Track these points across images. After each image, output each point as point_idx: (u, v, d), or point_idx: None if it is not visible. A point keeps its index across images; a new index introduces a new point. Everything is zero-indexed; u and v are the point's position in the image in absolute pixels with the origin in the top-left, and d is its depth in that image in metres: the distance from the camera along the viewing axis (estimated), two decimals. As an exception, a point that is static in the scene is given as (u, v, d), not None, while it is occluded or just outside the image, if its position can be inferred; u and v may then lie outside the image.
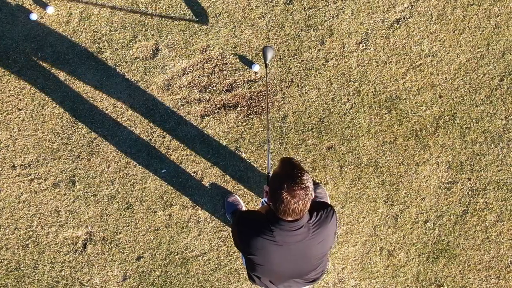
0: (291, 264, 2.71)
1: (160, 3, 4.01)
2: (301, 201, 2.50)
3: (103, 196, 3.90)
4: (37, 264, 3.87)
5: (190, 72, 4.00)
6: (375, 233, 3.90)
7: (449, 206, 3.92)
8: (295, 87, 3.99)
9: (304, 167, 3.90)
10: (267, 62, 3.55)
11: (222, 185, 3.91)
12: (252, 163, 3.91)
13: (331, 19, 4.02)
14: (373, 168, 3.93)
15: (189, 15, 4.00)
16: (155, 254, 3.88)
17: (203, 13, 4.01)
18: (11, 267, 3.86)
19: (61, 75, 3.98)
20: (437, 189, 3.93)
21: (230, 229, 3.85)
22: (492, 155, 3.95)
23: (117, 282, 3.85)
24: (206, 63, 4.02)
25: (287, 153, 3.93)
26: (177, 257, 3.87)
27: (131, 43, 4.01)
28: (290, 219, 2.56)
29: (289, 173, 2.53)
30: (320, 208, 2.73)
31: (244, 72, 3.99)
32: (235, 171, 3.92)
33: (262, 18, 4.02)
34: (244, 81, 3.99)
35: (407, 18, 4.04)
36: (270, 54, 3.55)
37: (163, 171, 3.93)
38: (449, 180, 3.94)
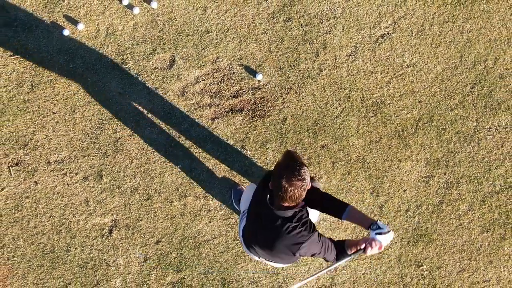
0: (261, 236, 3.02)
1: (176, 20, 4.19)
2: (297, 190, 2.74)
3: (127, 188, 4.12)
4: (69, 247, 4.09)
5: (202, 80, 4.20)
6: None
7: (427, 197, 4.15)
8: (293, 93, 4.21)
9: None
10: None
11: (230, 179, 4.14)
12: (256, 160, 4.16)
13: (325, 35, 4.23)
14: (361, 164, 4.17)
15: (201, 31, 4.21)
16: (171, 238, 4.11)
17: (213, 28, 4.23)
18: (46, 250, 4.08)
19: (90, 83, 4.16)
20: (416, 182, 4.16)
21: (237, 216, 4.09)
22: (465, 153, 4.19)
23: (139, 263, 4.08)
24: (216, 72, 4.20)
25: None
26: (191, 241, 4.11)
27: (151, 55, 4.19)
28: (286, 204, 2.82)
29: (290, 164, 2.75)
30: (304, 227, 2.88)
31: (249, 80, 4.19)
32: (241, 166, 4.15)
33: (265, 34, 4.22)
34: (249, 88, 4.20)
35: (390, 34, 4.24)
36: None
37: (178, 166, 4.14)
38: (427, 174, 4.17)
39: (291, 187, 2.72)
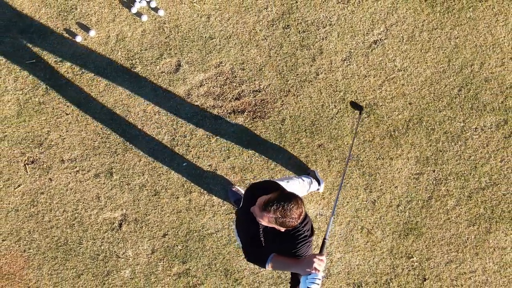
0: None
1: (181, 27, 4.32)
2: (299, 214, 2.85)
3: (135, 185, 4.27)
4: (82, 240, 4.25)
5: (206, 83, 4.31)
6: (357, 215, 4.29)
7: (417, 193, 4.31)
8: (292, 96, 4.33)
9: (299, 161, 4.23)
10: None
11: (232, 176, 4.28)
12: (256, 158, 4.30)
13: (321, 41, 4.36)
14: (355, 162, 4.31)
15: (205, 37, 4.35)
16: (177, 232, 4.26)
17: (217, 35, 4.37)
18: (60, 243, 4.24)
19: (101, 86, 4.28)
20: (407, 179, 4.31)
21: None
22: (452, 151, 4.33)
23: (147, 255, 4.24)
24: (219, 76, 4.32)
25: (285, 149, 4.28)
26: (195, 234, 4.26)
27: (158, 60, 4.30)
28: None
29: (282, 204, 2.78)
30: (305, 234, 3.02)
31: (250, 83, 4.31)
32: (243, 164, 4.28)
33: (265, 40, 4.34)
34: (250, 91, 4.33)
35: (383, 40, 4.37)
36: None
37: (184, 164, 4.28)
38: (417, 171, 4.31)
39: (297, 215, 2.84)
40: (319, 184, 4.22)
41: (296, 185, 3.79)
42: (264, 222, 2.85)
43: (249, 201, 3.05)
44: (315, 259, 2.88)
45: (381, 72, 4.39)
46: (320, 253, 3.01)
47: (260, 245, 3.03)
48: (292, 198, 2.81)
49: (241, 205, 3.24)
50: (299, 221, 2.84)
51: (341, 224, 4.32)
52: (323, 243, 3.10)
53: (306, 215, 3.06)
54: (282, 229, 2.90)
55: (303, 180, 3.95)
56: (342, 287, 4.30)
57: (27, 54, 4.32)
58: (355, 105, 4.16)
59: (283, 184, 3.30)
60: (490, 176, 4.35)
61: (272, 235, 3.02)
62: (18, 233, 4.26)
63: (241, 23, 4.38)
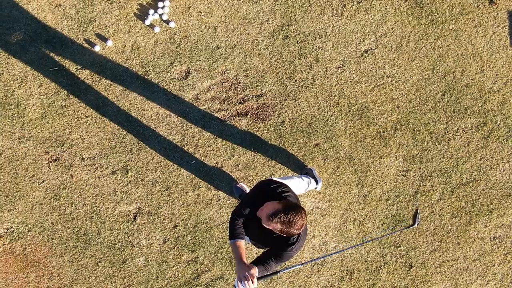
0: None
1: (191, 38, 4.47)
2: (301, 225, 3.00)
3: (149, 181, 4.41)
4: (100, 231, 4.41)
5: (213, 89, 4.45)
6: (349, 208, 4.47)
7: (404, 188, 4.48)
8: (291, 100, 4.48)
9: (297, 160, 4.41)
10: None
11: (236, 173, 4.45)
12: (259, 156, 4.47)
13: (317, 50, 4.50)
14: (348, 160, 4.48)
15: (212, 47, 4.51)
16: (187, 223, 4.41)
17: (222, 45, 4.51)
18: (80, 233, 4.41)
19: (117, 91, 4.44)
20: (395, 175, 4.48)
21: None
22: (436, 150, 4.50)
23: (159, 244, 4.41)
24: (225, 82, 4.46)
25: (285, 149, 4.43)
26: (203, 225, 4.42)
27: (169, 68, 4.44)
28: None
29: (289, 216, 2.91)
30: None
31: (253, 89, 4.46)
32: (246, 162, 4.44)
33: (266, 49, 4.48)
34: (253, 95, 4.48)
35: (373, 49, 4.51)
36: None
37: (193, 162, 4.43)
38: (404, 169, 4.48)
39: (299, 225, 3.00)
40: (317, 183, 4.41)
41: (296, 184, 3.99)
42: (269, 227, 3.02)
43: (256, 195, 3.26)
44: (246, 275, 2.95)
45: (371, 79, 4.53)
46: (259, 277, 3.06)
47: (241, 231, 3.21)
48: (297, 211, 2.92)
49: (249, 191, 3.44)
50: (300, 231, 2.99)
51: (335, 216, 4.53)
52: (269, 275, 3.18)
53: (304, 230, 3.17)
54: (284, 235, 3.05)
55: (303, 180, 4.13)
56: (336, 274, 4.53)
57: (50, 62, 4.51)
58: (415, 217, 3.92)
59: (284, 183, 3.41)
60: (470, 173, 4.56)
61: (270, 237, 3.18)
62: (42, 224, 4.46)
63: (244, 34, 4.54)
